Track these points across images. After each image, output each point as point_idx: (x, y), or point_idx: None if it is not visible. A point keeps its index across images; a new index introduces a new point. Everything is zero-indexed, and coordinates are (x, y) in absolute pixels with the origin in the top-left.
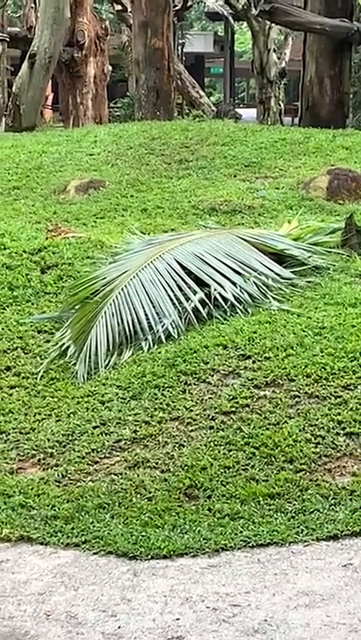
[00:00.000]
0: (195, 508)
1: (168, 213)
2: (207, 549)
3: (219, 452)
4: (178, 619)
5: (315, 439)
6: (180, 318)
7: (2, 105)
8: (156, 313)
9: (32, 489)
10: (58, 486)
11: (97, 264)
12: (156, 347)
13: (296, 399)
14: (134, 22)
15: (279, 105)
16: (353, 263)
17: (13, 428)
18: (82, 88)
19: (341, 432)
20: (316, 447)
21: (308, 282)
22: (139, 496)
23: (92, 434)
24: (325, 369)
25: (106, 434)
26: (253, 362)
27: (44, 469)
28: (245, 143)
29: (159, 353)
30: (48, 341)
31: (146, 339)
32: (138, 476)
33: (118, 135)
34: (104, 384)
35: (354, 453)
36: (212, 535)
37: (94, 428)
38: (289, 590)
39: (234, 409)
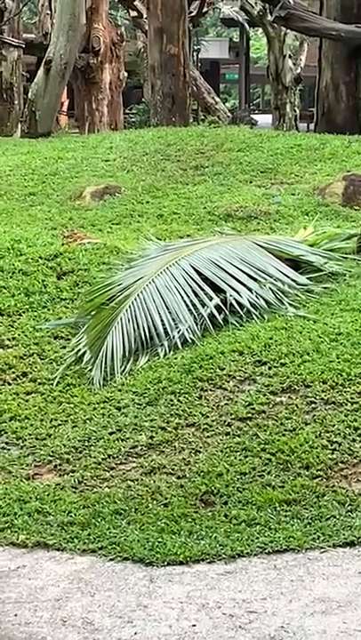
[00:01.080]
0: (211, 515)
1: (184, 219)
2: (224, 555)
3: (235, 458)
4: (194, 625)
5: (331, 445)
6: (196, 324)
7: (18, 111)
8: (172, 319)
9: (48, 495)
10: (74, 492)
11: (113, 270)
12: (172, 352)
13: (312, 405)
14: (150, 28)
15: (295, 111)
16: None
17: (30, 434)
18: (97, 94)
19: (358, 438)
20: (332, 453)
21: (325, 288)
22: (155, 502)
23: (109, 440)
24: (342, 375)
25: (122, 440)
26: (269, 368)
27: (60, 475)
28: (261, 149)
29: (175, 359)
30: (64, 347)
31: (162, 344)
32: (154, 482)
33: (134, 141)
34: (120, 390)
35: None
36: (229, 541)
37: (110, 433)
38: (305, 597)
39: (250, 415)
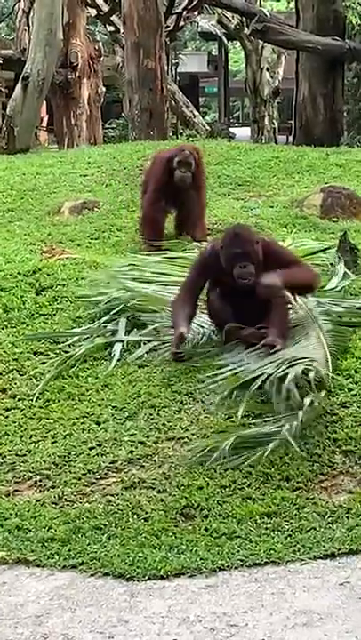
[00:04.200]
0: (191, 528)
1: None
2: (204, 569)
3: (215, 471)
4: (175, 639)
5: (311, 457)
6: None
7: None
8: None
9: (28, 511)
10: (54, 508)
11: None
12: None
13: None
14: (126, 43)
15: (273, 124)
16: None
17: (9, 451)
18: (76, 109)
19: (337, 450)
20: (312, 465)
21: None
22: (135, 517)
23: (89, 455)
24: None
25: (102, 455)
26: None
27: (40, 491)
28: (239, 162)
29: (154, 373)
30: (44, 363)
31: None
32: (134, 496)
33: (112, 156)
34: (100, 405)
35: (350, 471)
36: (209, 555)
37: (90, 449)
38: (286, 609)
39: (230, 428)
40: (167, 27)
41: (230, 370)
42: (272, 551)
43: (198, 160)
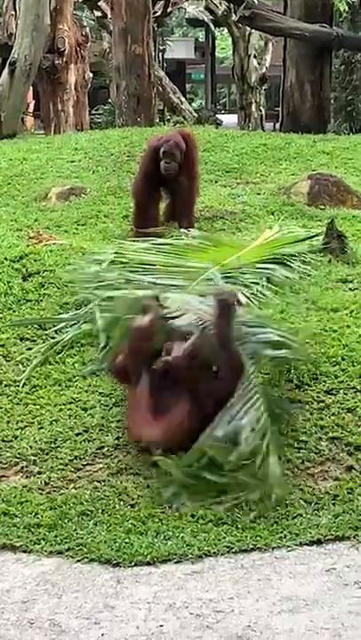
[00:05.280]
0: (178, 515)
1: None
2: (190, 555)
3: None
4: (161, 625)
5: (297, 444)
6: None
7: None
8: None
9: (15, 497)
10: (41, 494)
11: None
12: None
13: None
14: (114, 29)
15: (260, 110)
16: (334, 268)
17: None
18: (63, 95)
19: (324, 437)
20: (298, 452)
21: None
22: (122, 503)
23: (75, 441)
24: (308, 374)
25: (89, 441)
26: None
27: (26, 477)
28: (226, 149)
29: None
30: (30, 349)
31: None
32: (121, 482)
33: (99, 142)
34: (86, 391)
35: (336, 458)
36: (196, 541)
37: (77, 434)
38: (273, 596)
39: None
40: (155, 12)
41: None
42: (258, 538)
43: (189, 148)
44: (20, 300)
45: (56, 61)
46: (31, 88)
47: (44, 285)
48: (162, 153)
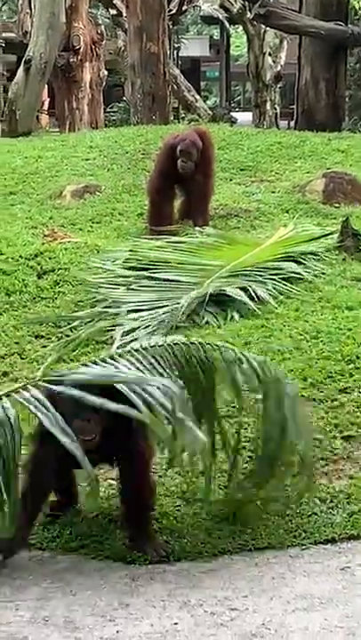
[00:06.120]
0: (192, 513)
1: None
2: (205, 554)
3: (216, 455)
4: (176, 623)
5: (312, 442)
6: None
7: None
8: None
9: None
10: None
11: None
12: None
13: None
14: (129, 27)
15: (275, 108)
16: (349, 266)
17: None
18: (78, 93)
19: (338, 435)
20: (313, 450)
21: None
22: None
23: None
24: (322, 372)
25: None
26: None
27: None
28: (241, 147)
29: None
30: (45, 347)
31: None
32: None
33: (114, 140)
34: None
35: (351, 456)
36: (211, 539)
37: None
38: (287, 594)
39: (230, 412)
40: (170, 10)
41: None
42: (273, 536)
43: (205, 146)
44: (34, 298)
45: (71, 59)
46: (46, 86)
47: (58, 283)
48: (179, 152)
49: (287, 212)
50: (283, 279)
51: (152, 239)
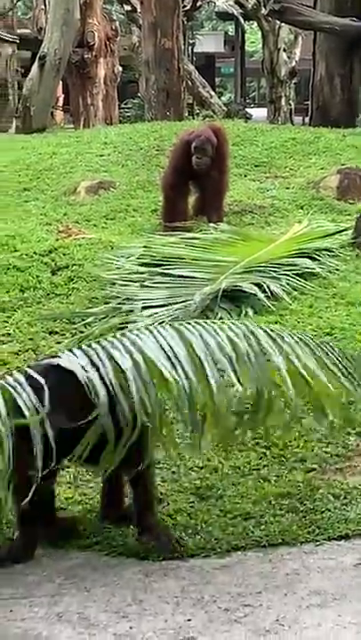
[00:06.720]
0: (206, 509)
1: None
2: (219, 550)
3: (230, 452)
4: (189, 619)
5: (325, 439)
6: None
7: (12, 107)
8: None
9: None
10: (69, 488)
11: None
12: None
13: (307, 398)
14: (144, 23)
15: (290, 104)
16: None
17: None
18: (92, 89)
19: (352, 431)
20: (327, 447)
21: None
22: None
23: None
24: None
25: None
26: None
27: None
28: (255, 143)
29: None
30: (59, 342)
31: None
32: None
33: (128, 136)
34: None
35: None
36: (224, 535)
37: None
38: (301, 590)
39: (244, 408)
40: (184, 6)
41: None
42: (286, 532)
43: (220, 142)
44: (49, 294)
45: (85, 55)
46: (61, 82)
47: (72, 279)
48: (194, 148)
49: (302, 208)
50: (297, 275)
51: (166, 235)
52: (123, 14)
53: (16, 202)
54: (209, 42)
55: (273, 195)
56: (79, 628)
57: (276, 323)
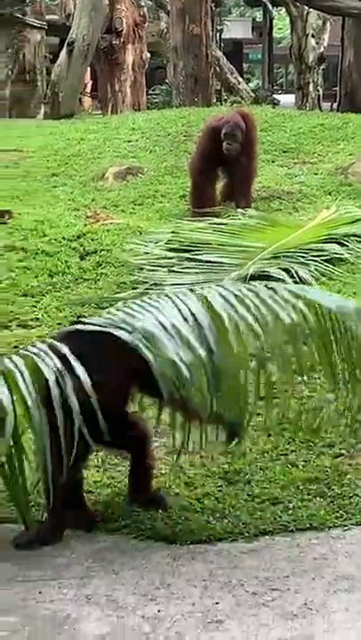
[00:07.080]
0: (234, 494)
1: None
2: (247, 534)
3: (257, 437)
4: (217, 603)
5: (354, 424)
6: None
7: (41, 93)
8: None
9: None
10: (97, 471)
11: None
12: None
13: (335, 384)
14: (172, 9)
15: (318, 90)
16: None
17: None
18: (120, 75)
19: None
20: (355, 432)
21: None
22: (178, 481)
23: None
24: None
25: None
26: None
27: None
28: (284, 129)
29: None
30: None
31: None
32: (177, 461)
33: (156, 122)
34: None
35: None
36: (252, 520)
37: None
38: (328, 575)
39: (272, 394)
40: None
41: None
42: (314, 517)
43: (248, 128)
44: (77, 279)
45: (114, 42)
46: (89, 68)
47: (101, 264)
48: (223, 134)
49: (330, 194)
50: (325, 261)
51: (194, 221)
52: (150, 0)
53: (44, 187)
54: (237, 28)
55: (301, 181)
56: (107, 610)
57: None
